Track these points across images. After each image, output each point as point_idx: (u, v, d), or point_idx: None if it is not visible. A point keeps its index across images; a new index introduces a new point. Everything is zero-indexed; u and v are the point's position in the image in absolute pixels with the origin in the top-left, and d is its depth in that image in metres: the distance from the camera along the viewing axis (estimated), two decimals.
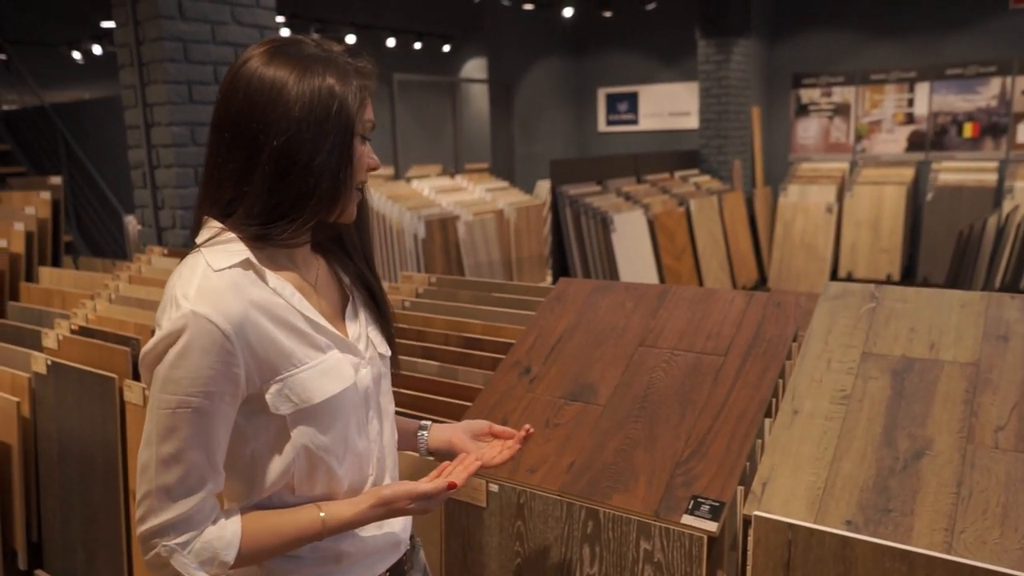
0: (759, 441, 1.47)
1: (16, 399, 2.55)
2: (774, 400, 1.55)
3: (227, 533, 0.97)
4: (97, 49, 8.92)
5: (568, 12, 8.61)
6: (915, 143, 8.16)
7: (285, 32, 8.96)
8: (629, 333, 1.77)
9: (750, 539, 1.31)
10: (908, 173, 7.94)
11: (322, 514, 1.01)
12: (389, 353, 1.16)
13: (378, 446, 1.10)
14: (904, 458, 1.32)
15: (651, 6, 7.96)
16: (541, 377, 1.74)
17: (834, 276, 7.86)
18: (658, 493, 1.40)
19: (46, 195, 3.39)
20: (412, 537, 1.22)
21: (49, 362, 2.50)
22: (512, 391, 1.73)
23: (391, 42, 9.64)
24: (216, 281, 0.95)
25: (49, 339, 2.61)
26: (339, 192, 1.01)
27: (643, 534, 1.38)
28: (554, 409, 1.65)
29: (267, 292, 0.99)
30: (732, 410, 1.51)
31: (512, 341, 1.93)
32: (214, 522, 0.97)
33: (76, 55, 9.77)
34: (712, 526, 1.32)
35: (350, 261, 1.15)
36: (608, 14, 8.67)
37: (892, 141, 8.27)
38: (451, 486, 1.02)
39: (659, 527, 1.36)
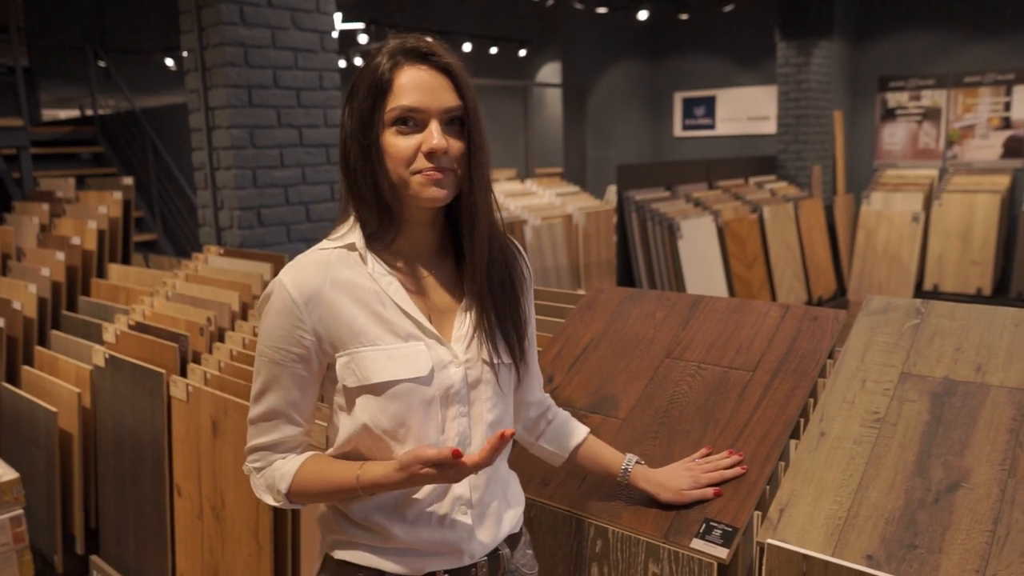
0: (782, 463, 1.39)
1: (78, 390, 2.66)
2: (802, 420, 1.46)
3: (286, 468, 1.10)
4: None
5: (643, 15, 8.49)
6: (1012, 149, 7.68)
7: (363, 39, 9.14)
8: (656, 344, 1.70)
9: (763, 568, 1.23)
10: (1003, 181, 7.48)
11: (359, 470, 1.05)
12: (498, 361, 1.13)
13: (457, 446, 1.08)
14: (936, 490, 1.22)
15: (729, 8, 7.77)
16: (563, 387, 1.69)
17: (919, 288, 7.48)
18: (670, 514, 1.33)
19: (118, 195, 3.53)
20: (498, 556, 1.17)
21: (107, 355, 2.59)
22: None
23: (467, 47, 9.72)
24: (312, 257, 1.08)
25: (109, 333, 2.71)
26: (380, 190, 1.05)
27: (652, 556, 1.31)
28: None
29: (361, 275, 1.07)
30: (756, 429, 1.43)
31: (541, 349, 1.89)
32: (285, 457, 1.12)
33: (169, 62, 10.23)
34: (722, 552, 1.25)
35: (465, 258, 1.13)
36: (684, 16, 8.51)
37: (986, 147, 7.82)
38: (455, 453, 0.95)
39: (668, 550, 1.29)
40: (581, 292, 2.09)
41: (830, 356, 1.56)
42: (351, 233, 1.09)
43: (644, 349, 1.70)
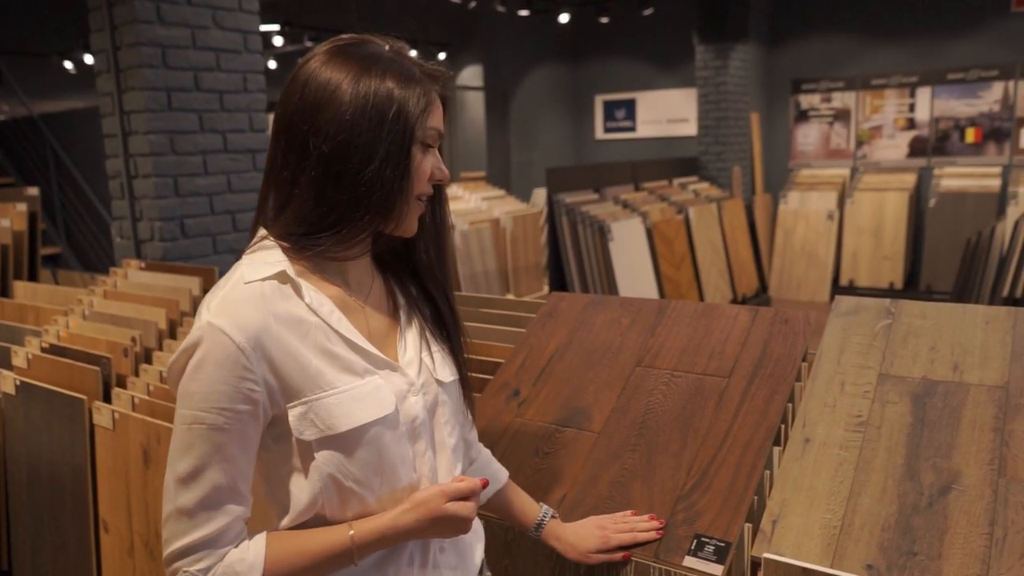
0: (767, 472, 1.35)
1: None
2: (783, 426, 1.42)
3: (249, 555, 0.91)
4: (89, 58, 8.83)
5: (564, 18, 8.52)
6: (917, 149, 8.05)
7: (278, 41, 8.86)
8: (625, 352, 1.65)
9: None
10: (910, 179, 7.83)
11: (351, 531, 0.93)
12: (451, 379, 1.07)
13: (429, 481, 1.02)
14: (929, 493, 1.20)
15: (648, 12, 7.87)
16: (531, 400, 1.62)
17: (835, 284, 7.75)
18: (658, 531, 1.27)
19: (22, 207, 3.27)
20: None
21: (18, 382, 2.38)
22: (500, 416, 1.61)
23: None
24: (242, 293, 0.90)
25: (19, 357, 2.49)
26: (393, 204, 0.95)
27: None
28: (544, 436, 1.52)
29: (300, 308, 0.93)
30: (738, 438, 1.39)
31: (501, 360, 1.81)
32: (237, 545, 0.92)
33: (68, 64, 9.68)
34: (717, 569, 1.20)
35: (413, 279, 1.09)
36: (605, 20, 8.57)
37: (893, 147, 8.17)
38: (484, 484, 0.97)
39: (659, 569, 1.23)
40: (530, 299, 2.02)
41: (804, 359, 1.54)
42: (273, 258, 0.94)
43: (612, 358, 1.65)
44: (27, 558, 2.42)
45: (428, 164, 0.98)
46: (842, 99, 8.36)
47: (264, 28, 8.53)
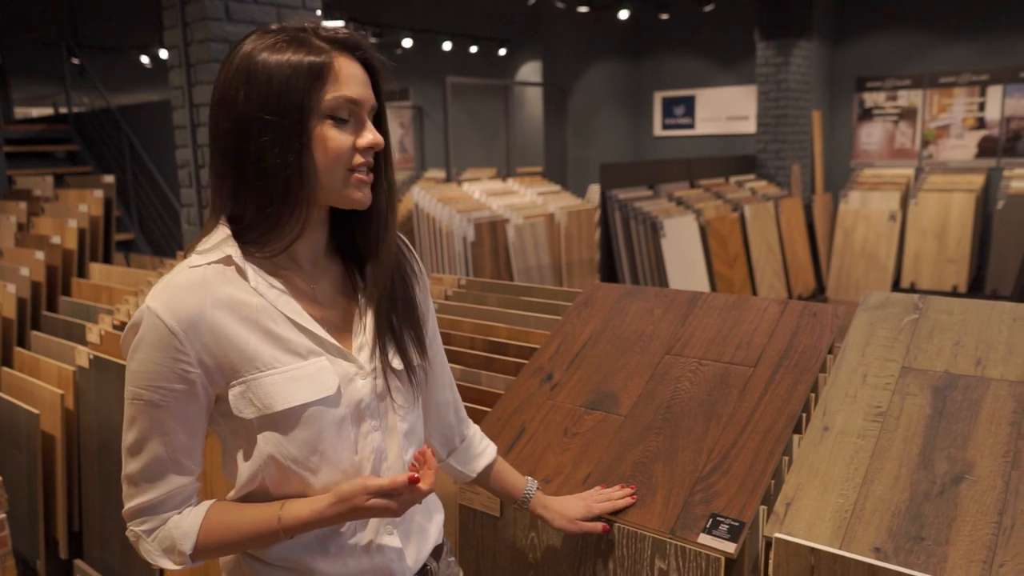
0: (786, 458, 1.39)
1: (61, 392, 2.61)
2: (804, 415, 1.46)
3: (185, 524, 0.98)
4: (163, 54, 9.21)
5: (624, 15, 8.52)
6: (986, 149, 7.81)
7: None
8: (656, 341, 1.70)
9: (771, 563, 1.23)
10: (978, 180, 7.60)
11: (280, 512, 0.96)
12: (404, 366, 1.05)
13: (372, 463, 1.02)
14: (941, 482, 1.23)
15: (709, 8, 7.81)
16: (563, 384, 1.69)
17: (896, 286, 7.58)
18: (676, 510, 1.33)
19: (99, 193, 3.47)
20: (427, 572, 1.12)
21: (91, 356, 2.55)
22: (532, 398, 1.68)
23: (447, 46, 9.70)
24: (183, 277, 0.94)
25: (92, 334, 2.67)
26: (302, 186, 0.93)
27: (658, 552, 1.31)
28: (574, 418, 1.59)
29: (244, 291, 0.95)
30: (759, 424, 1.44)
31: (538, 346, 1.88)
32: (180, 512, 0.99)
33: (144, 59, 10.11)
34: (730, 547, 1.25)
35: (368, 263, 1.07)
36: (665, 16, 8.55)
37: (961, 147, 7.94)
38: (412, 480, 0.91)
39: (675, 545, 1.29)
40: (577, 290, 2.09)
41: (829, 351, 1.57)
42: (224, 244, 0.96)
43: (644, 346, 1.70)
44: (96, 521, 2.59)
45: (343, 139, 0.94)
46: (908, 97, 8.15)
47: (329, 24, 8.77)
